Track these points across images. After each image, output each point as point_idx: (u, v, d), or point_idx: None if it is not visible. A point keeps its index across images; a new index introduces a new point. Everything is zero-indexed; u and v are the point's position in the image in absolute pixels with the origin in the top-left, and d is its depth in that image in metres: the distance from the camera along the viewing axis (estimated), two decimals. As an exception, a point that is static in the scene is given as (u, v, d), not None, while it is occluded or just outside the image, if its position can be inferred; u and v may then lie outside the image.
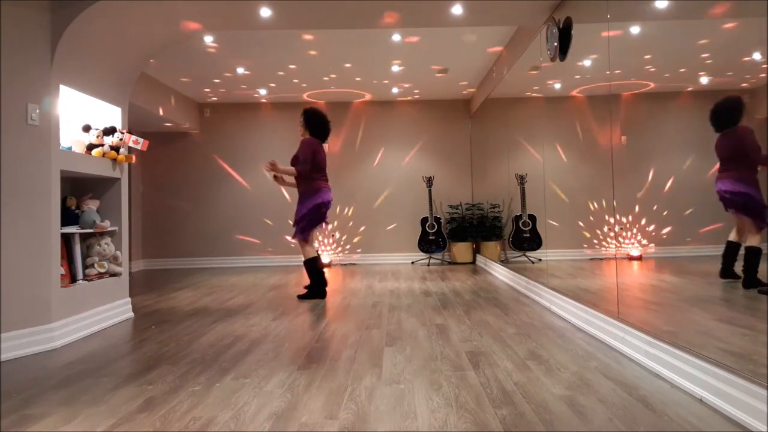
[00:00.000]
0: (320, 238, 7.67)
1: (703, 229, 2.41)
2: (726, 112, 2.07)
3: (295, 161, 4.58)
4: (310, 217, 4.54)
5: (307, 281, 4.94)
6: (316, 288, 4.61)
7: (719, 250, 2.25)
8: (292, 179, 4.65)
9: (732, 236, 2.14)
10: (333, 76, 6.35)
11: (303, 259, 4.61)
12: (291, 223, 4.94)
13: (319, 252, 4.71)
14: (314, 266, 4.58)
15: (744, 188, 2.05)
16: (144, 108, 5.98)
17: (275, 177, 4.69)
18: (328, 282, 4.77)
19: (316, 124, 4.66)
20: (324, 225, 4.67)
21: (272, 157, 7.56)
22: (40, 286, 3.01)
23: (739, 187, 2.08)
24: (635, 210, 2.82)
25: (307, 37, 4.98)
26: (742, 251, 2.10)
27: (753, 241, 2.02)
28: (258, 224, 7.70)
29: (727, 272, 2.19)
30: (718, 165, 2.13)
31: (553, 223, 4.23)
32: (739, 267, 2.14)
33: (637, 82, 2.78)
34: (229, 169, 7.77)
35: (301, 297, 4.62)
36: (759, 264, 2.01)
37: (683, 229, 2.59)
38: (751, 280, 2.06)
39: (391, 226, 7.74)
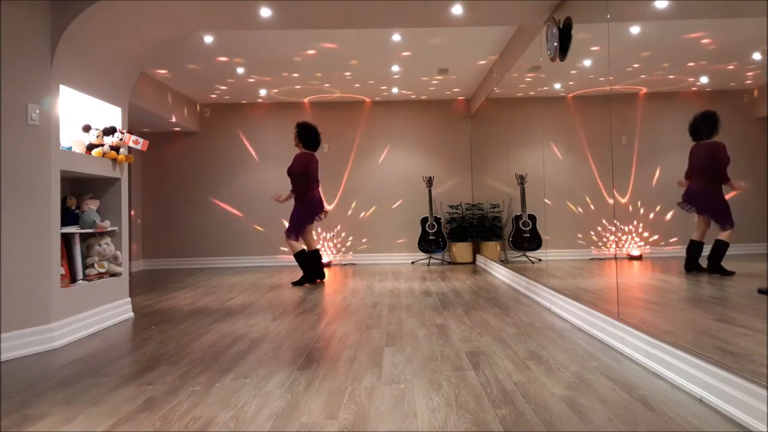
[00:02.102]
0: (323, 235, 7.69)
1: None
2: (704, 124, 2.23)
3: (291, 172, 5.34)
4: (304, 221, 5.32)
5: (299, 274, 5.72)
6: (308, 274, 5.37)
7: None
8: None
9: (695, 236, 2.40)
10: (333, 76, 6.35)
11: (294, 252, 5.34)
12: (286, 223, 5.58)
13: (318, 247, 5.68)
14: (302, 257, 5.30)
15: (712, 194, 2.28)
16: (144, 108, 5.98)
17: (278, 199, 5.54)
18: (324, 273, 5.59)
19: (308, 137, 5.40)
20: (319, 217, 5.48)
21: (273, 157, 7.60)
22: (40, 286, 3.01)
23: (708, 193, 2.32)
24: (636, 209, 2.82)
25: (308, 36, 4.98)
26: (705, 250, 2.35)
27: (722, 236, 2.26)
28: (258, 224, 7.70)
29: (691, 266, 2.46)
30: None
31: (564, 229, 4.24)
32: (701, 262, 2.40)
33: (639, 82, 2.78)
34: (229, 169, 7.77)
35: (294, 283, 5.39)
36: (723, 255, 2.25)
37: (683, 229, 2.59)
38: (716, 267, 2.31)
39: (391, 227, 7.74)
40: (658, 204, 2.69)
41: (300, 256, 5.32)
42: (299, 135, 5.39)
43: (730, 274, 2.23)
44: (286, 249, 7.64)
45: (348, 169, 7.77)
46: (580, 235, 3.69)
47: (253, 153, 7.76)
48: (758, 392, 1.67)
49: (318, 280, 5.52)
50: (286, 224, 7.29)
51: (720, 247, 2.23)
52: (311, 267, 5.40)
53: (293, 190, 5.34)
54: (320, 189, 5.52)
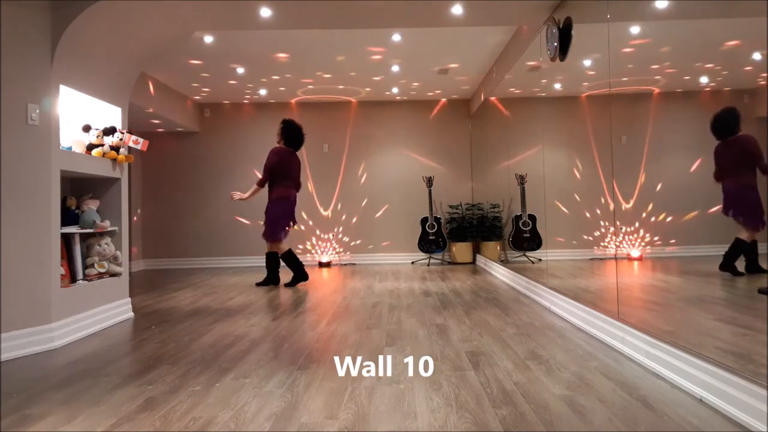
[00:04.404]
0: (322, 236, 7.69)
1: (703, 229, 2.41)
2: (726, 121, 2.20)
3: (265, 166, 5.20)
4: (278, 220, 5.18)
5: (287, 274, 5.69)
6: (298, 274, 5.33)
7: (719, 250, 2.27)
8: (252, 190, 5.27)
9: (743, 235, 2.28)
10: (333, 75, 6.35)
11: (280, 254, 5.28)
12: (262, 223, 5.42)
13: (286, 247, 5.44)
14: (291, 257, 5.27)
15: (744, 192, 2.18)
16: (144, 108, 5.98)
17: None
18: (279, 280, 5.45)
19: (292, 135, 5.34)
20: (292, 224, 5.29)
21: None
22: (40, 286, 3.01)
23: (740, 192, 2.22)
24: (636, 210, 2.82)
25: (308, 36, 4.98)
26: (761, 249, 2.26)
27: (743, 236, 2.19)
28: (258, 224, 7.69)
29: (753, 268, 2.32)
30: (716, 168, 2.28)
31: (563, 229, 4.23)
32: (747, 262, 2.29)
33: (640, 82, 2.78)
34: (229, 169, 7.76)
35: (287, 285, 5.34)
36: (739, 255, 2.20)
37: (683, 229, 2.59)
38: (727, 265, 2.26)
39: (391, 227, 7.74)
40: (659, 204, 2.69)
41: (288, 256, 5.25)
42: (283, 131, 5.31)
43: (741, 275, 2.21)
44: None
45: (347, 169, 7.77)
46: (584, 237, 3.69)
47: (253, 153, 7.75)
48: (758, 392, 1.67)
49: (272, 285, 5.37)
50: (299, 221, 7.34)
51: (738, 246, 2.20)
52: (275, 269, 5.35)
53: (260, 183, 5.17)
54: (297, 193, 5.33)
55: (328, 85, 6.82)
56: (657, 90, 2.66)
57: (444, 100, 7.79)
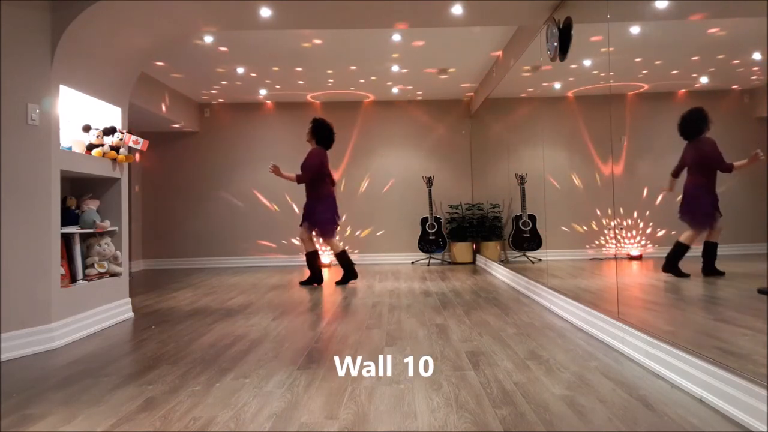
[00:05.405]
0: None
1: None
2: (692, 122, 2.19)
3: (305, 167, 5.16)
4: (329, 216, 5.22)
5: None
6: (314, 275, 5.34)
7: (722, 250, 2.28)
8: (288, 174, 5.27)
9: (683, 238, 2.37)
10: (333, 75, 6.35)
11: (334, 251, 5.33)
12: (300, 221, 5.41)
13: (319, 249, 5.54)
14: (344, 257, 5.34)
15: (699, 194, 2.22)
16: (144, 108, 5.98)
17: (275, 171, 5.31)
18: (323, 277, 5.48)
19: (323, 134, 5.29)
20: (337, 222, 5.39)
21: (273, 157, 7.58)
22: (40, 286, 3.01)
23: (696, 193, 2.24)
24: (636, 210, 2.82)
25: (308, 36, 4.98)
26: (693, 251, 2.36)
27: (712, 237, 2.26)
28: (258, 224, 7.70)
29: (670, 268, 2.41)
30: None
31: (565, 229, 4.24)
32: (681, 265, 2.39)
33: (635, 83, 2.78)
34: (229, 169, 7.76)
35: (302, 283, 5.45)
36: (716, 256, 2.25)
37: (682, 230, 2.59)
38: (710, 269, 2.31)
39: (391, 227, 7.73)
40: (658, 204, 2.69)
41: (312, 256, 5.30)
42: (314, 130, 5.27)
43: (720, 274, 2.22)
44: (297, 242, 7.63)
45: (348, 168, 7.77)
46: (580, 229, 3.69)
47: (253, 153, 7.76)
48: (758, 392, 1.67)
49: (315, 285, 5.35)
50: (297, 222, 7.29)
51: (709, 249, 2.22)
52: (348, 267, 5.39)
53: (300, 180, 5.16)
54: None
55: (329, 85, 6.82)
56: (657, 90, 2.66)
57: (444, 100, 7.78)
